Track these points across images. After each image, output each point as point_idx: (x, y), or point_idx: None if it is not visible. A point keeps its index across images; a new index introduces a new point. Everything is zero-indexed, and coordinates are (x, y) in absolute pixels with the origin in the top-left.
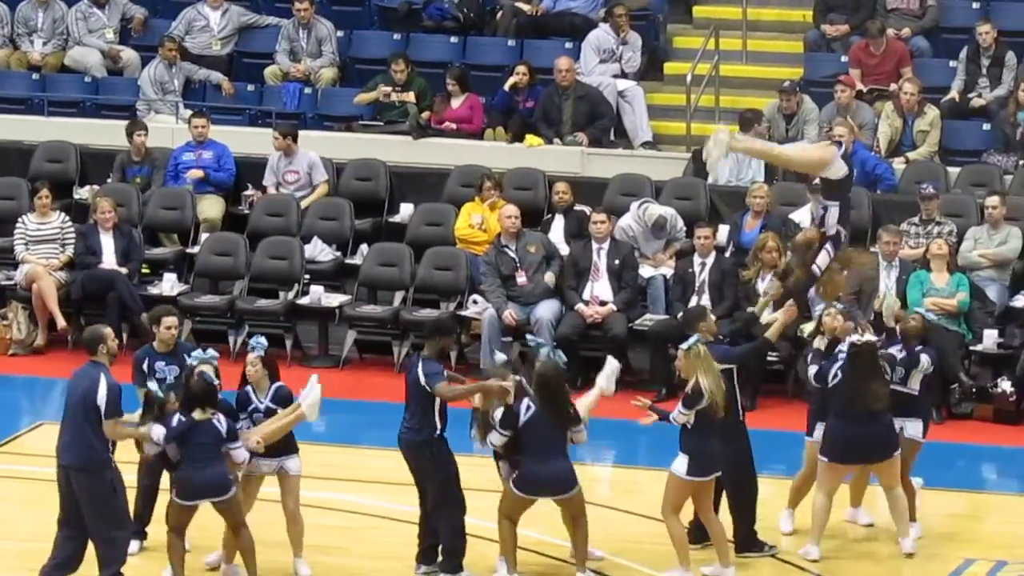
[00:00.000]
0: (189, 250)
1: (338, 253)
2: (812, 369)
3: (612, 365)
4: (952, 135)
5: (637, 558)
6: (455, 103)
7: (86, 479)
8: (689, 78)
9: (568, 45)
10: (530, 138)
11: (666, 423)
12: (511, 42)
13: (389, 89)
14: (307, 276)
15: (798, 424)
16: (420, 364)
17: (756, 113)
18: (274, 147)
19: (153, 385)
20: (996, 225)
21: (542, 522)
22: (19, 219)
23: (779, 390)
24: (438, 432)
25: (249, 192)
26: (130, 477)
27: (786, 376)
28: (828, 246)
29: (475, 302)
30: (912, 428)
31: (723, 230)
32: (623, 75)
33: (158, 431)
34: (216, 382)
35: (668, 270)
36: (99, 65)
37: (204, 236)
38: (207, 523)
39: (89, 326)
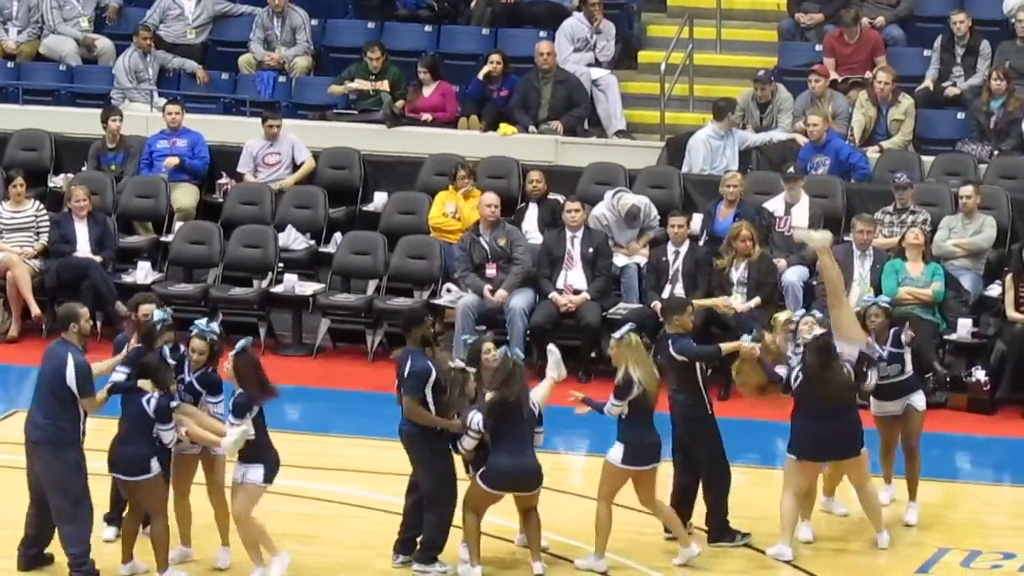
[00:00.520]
0: (163, 238)
1: (312, 242)
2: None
3: (555, 354)
4: (926, 124)
5: (610, 547)
6: (428, 92)
7: (51, 456)
8: (663, 67)
9: (542, 34)
10: (504, 127)
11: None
12: (485, 31)
13: (358, 86)
14: (281, 264)
15: (770, 413)
16: (409, 359)
17: (730, 102)
18: (265, 135)
19: (166, 351)
20: (970, 214)
21: (499, 508)
22: None
23: None
24: (437, 427)
25: (223, 180)
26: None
27: None
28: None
29: (449, 291)
30: (918, 401)
31: (697, 219)
32: (597, 64)
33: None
34: (172, 362)
35: (642, 259)
36: (74, 54)
37: (178, 224)
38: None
39: (65, 303)
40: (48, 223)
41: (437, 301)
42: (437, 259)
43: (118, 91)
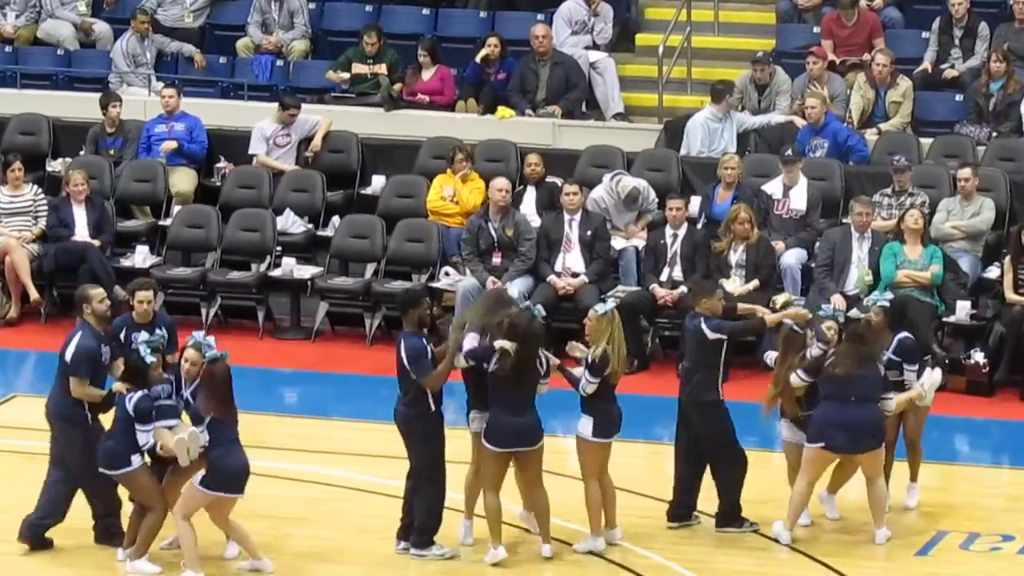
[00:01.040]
0: (161, 222)
1: (310, 225)
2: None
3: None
4: (924, 106)
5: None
6: (426, 75)
7: (59, 431)
8: (661, 49)
9: (540, 17)
10: (502, 110)
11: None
12: (483, 14)
13: (356, 70)
14: (279, 248)
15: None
16: (402, 341)
17: (728, 84)
18: (279, 119)
19: (143, 346)
20: (969, 197)
21: (508, 492)
22: None
23: (751, 362)
24: (432, 408)
25: (221, 164)
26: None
27: (758, 348)
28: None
29: (447, 274)
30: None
31: (695, 202)
32: (595, 47)
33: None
34: (150, 361)
35: (640, 242)
36: (72, 38)
37: (176, 208)
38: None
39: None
40: (46, 207)
41: (436, 284)
42: (435, 242)
43: (116, 75)
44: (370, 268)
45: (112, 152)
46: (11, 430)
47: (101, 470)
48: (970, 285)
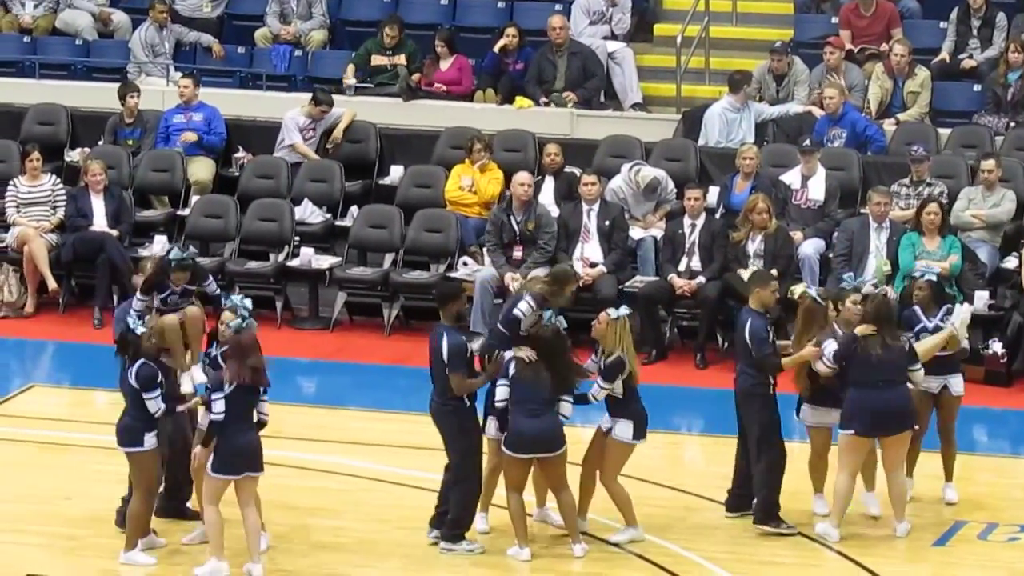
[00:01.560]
0: (180, 212)
1: (328, 215)
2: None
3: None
4: (942, 96)
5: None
6: (444, 65)
7: None
8: (679, 39)
9: (558, 7)
10: (520, 100)
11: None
12: (501, 4)
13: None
14: (297, 238)
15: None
16: (444, 336)
17: (746, 75)
18: (309, 113)
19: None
20: (991, 187)
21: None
22: (10, 182)
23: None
24: (467, 403)
25: (240, 154)
26: None
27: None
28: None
29: (465, 264)
30: (956, 384)
31: (713, 192)
32: (613, 37)
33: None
34: (141, 331)
35: (658, 232)
36: (90, 28)
37: (194, 199)
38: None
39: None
40: (64, 197)
41: (453, 274)
42: (453, 232)
43: (134, 65)
44: (388, 258)
45: (130, 142)
46: (29, 420)
47: (117, 447)
48: (988, 275)
